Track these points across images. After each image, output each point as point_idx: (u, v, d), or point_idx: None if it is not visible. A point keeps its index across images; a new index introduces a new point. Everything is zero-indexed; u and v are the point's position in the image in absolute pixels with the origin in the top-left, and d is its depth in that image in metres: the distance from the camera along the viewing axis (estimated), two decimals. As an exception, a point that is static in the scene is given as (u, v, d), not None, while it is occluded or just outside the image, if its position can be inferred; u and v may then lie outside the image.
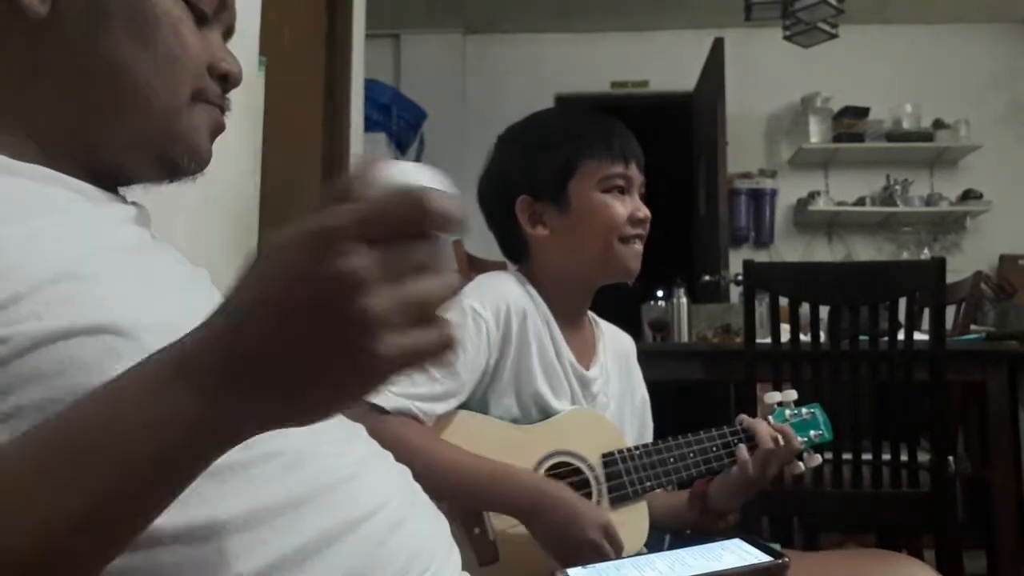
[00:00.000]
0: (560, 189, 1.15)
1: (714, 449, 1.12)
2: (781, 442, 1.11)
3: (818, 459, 1.18)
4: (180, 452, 0.42)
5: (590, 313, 1.26)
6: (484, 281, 1.16)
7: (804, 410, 1.18)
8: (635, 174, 1.17)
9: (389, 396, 0.99)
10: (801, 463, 1.16)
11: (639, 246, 1.17)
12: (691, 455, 1.11)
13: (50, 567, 0.41)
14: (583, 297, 1.21)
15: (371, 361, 0.38)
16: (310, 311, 0.38)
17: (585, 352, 1.20)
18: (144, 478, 0.42)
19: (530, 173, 1.16)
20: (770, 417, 1.17)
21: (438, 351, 0.40)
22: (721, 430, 1.13)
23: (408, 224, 0.38)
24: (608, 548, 0.97)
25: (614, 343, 1.28)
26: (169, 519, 0.50)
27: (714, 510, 1.14)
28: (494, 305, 1.10)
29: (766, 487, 1.12)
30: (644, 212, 1.16)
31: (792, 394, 1.21)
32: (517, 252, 1.22)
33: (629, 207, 1.15)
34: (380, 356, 0.38)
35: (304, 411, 0.42)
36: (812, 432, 1.17)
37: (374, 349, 0.37)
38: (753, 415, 1.16)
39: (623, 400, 1.25)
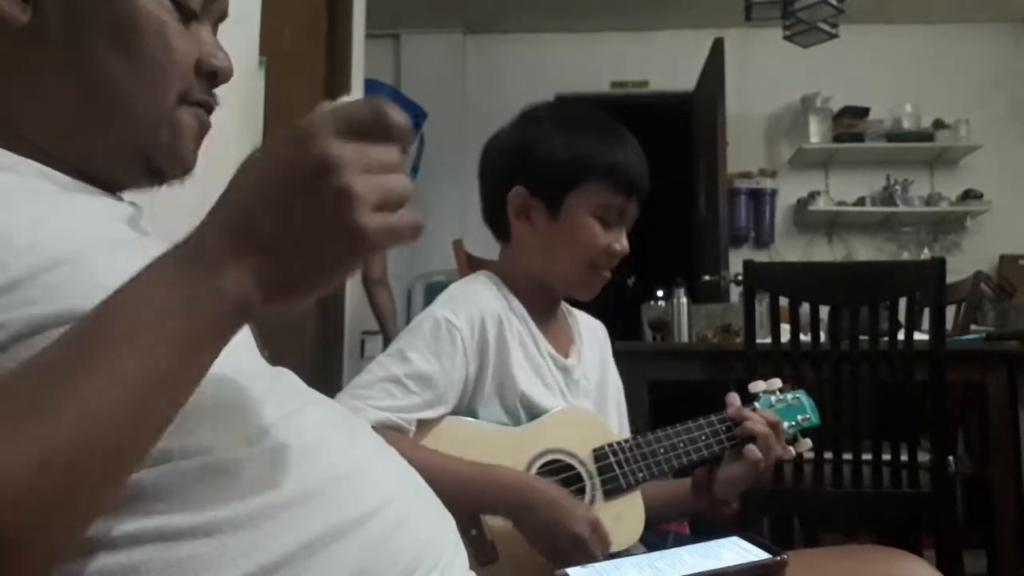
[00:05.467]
0: (557, 196, 1.14)
1: (703, 438, 1.13)
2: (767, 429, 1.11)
3: (808, 443, 1.18)
4: (194, 328, 0.46)
5: (563, 303, 1.27)
6: (456, 291, 1.17)
7: (789, 396, 1.19)
8: (632, 209, 1.17)
9: (369, 410, 1.00)
10: (792, 448, 1.16)
11: (607, 274, 1.18)
12: (681, 444, 1.12)
13: (100, 455, 0.44)
14: (553, 295, 1.22)
15: (355, 228, 0.45)
16: (298, 187, 0.45)
17: (562, 341, 1.22)
18: (166, 358, 0.45)
19: (537, 165, 1.14)
20: (756, 403, 1.17)
21: (411, 229, 0.48)
22: (709, 419, 1.14)
23: (370, 125, 0.47)
24: (593, 543, 0.98)
25: (589, 330, 1.29)
26: (177, 516, 0.51)
27: (720, 500, 1.15)
28: (467, 315, 1.10)
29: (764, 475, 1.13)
30: (622, 247, 1.16)
31: (776, 382, 1.21)
32: (499, 229, 1.21)
33: (611, 238, 1.15)
34: (362, 224, 0.45)
35: (300, 279, 0.48)
36: (799, 416, 1.17)
37: (357, 218, 0.45)
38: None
39: (602, 386, 1.27)
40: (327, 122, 0.46)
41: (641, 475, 1.10)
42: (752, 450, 1.10)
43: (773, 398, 1.18)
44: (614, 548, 1.04)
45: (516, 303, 1.17)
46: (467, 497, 1.00)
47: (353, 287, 2.86)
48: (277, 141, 0.48)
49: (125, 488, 0.49)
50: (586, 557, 0.97)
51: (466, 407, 1.11)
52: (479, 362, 1.10)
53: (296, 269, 0.47)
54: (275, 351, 0.73)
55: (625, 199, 1.15)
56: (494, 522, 1.03)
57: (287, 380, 0.67)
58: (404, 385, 1.04)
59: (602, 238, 1.14)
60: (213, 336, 0.48)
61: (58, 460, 0.42)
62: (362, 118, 0.47)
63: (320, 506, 0.56)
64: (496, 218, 1.20)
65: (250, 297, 0.47)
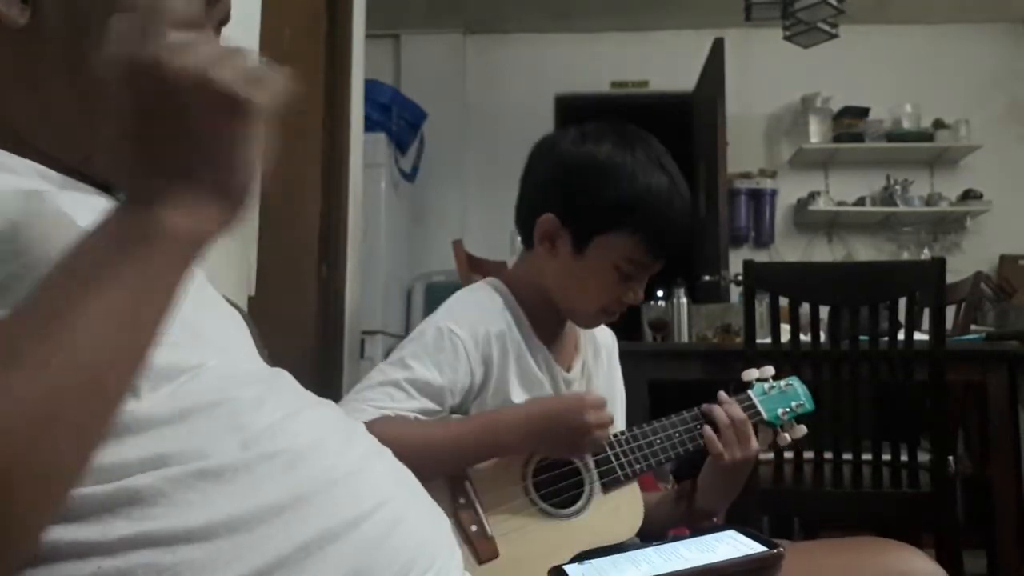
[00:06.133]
0: (587, 235, 1.11)
1: (698, 427, 1.12)
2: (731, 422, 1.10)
3: (803, 429, 1.17)
4: (147, 264, 0.46)
5: None
6: (462, 299, 1.17)
7: (782, 383, 1.18)
8: (656, 268, 1.15)
9: (368, 409, 1.01)
10: (787, 434, 1.16)
11: (614, 318, 1.17)
12: (676, 435, 1.12)
13: (60, 418, 0.43)
14: (560, 310, 1.21)
15: (222, 94, 0.44)
16: (146, 101, 0.45)
17: (566, 353, 1.22)
18: (127, 294, 0.45)
19: (576, 198, 1.11)
20: (750, 391, 1.17)
21: (275, 83, 0.48)
22: (704, 407, 1.14)
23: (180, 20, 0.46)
24: (603, 414, 1.03)
25: (595, 339, 1.29)
26: (172, 520, 0.51)
27: (701, 508, 1.14)
28: (471, 326, 1.10)
29: (741, 476, 1.12)
30: (636, 297, 1.14)
31: (769, 370, 1.20)
32: (526, 237, 1.19)
33: (624, 290, 1.13)
34: (219, 79, 0.44)
35: (226, 179, 0.48)
36: (793, 403, 1.16)
37: (213, 76, 0.44)
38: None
39: (610, 392, 1.27)
40: (118, 34, 0.46)
41: (639, 466, 1.10)
42: (707, 430, 1.10)
43: (766, 385, 1.18)
44: (613, 540, 1.04)
45: (521, 316, 1.16)
46: (475, 452, 1.03)
47: (353, 287, 2.86)
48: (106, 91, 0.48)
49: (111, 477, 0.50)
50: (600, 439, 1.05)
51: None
52: (483, 373, 1.10)
53: (211, 175, 0.48)
54: (275, 351, 0.73)
55: (652, 260, 1.13)
56: (494, 519, 1.03)
57: (284, 382, 0.67)
58: (404, 390, 1.04)
59: (617, 289, 1.12)
60: (170, 267, 0.48)
61: (61, 394, 0.42)
62: (143, 15, 0.46)
63: (315, 508, 0.56)
64: (526, 226, 1.18)
65: (186, 223, 0.47)
